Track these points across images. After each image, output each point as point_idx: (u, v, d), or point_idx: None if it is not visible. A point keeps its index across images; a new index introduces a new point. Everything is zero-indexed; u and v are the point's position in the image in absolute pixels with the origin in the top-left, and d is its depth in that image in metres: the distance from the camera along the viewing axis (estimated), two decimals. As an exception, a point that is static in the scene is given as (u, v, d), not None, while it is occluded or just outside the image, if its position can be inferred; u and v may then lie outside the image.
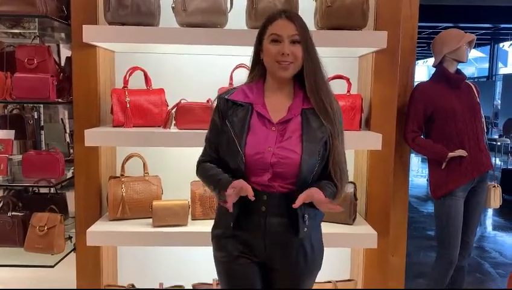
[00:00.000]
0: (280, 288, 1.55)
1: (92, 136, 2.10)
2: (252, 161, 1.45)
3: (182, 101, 2.19)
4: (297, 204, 1.40)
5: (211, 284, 2.27)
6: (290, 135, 1.48)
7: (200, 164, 1.62)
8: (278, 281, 1.55)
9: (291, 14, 1.49)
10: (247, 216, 1.48)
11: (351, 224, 2.24)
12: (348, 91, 2.28)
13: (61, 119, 3.29)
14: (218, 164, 1.56)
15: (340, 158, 1.50)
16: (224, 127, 1.51)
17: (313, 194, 1.42)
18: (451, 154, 2.49)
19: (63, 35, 3.03)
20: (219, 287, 2.22)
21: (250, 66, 1.60)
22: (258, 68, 1.56)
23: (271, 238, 1.50)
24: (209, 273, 2.21)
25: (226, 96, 1.55)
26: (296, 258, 1.52)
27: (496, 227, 5.52)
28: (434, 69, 2.67)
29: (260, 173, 1.46)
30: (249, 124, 1.49)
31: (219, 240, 1.57)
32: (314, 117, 1.49)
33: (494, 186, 2.67)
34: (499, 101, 14.11)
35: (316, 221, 1.57)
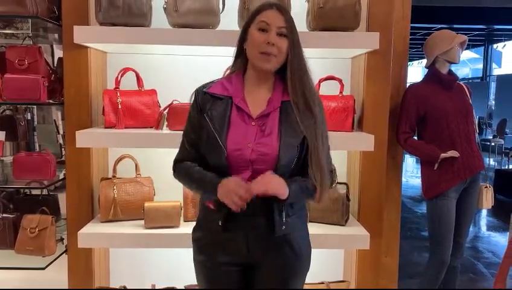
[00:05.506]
0: (265, 289, 1.49)
1: (84, 138, 2.08)
2: (233, 156, 1.40)
3: (174, 102, 2.18)
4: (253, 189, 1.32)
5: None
6: (270, 131, 1.42)
7: (177, 163, 1.54)
8: (263, 283, 1.49)
9: (283, 8, 1.45)
10: (232, 216, 1.41)
11: (343, 225, 2.24)
12: (341, 92, 2.28)
13: (54, 120, 3.27)
14: (196, 161, 1.49)
15: (321, 161, 1.41)
16: (203, 121, 1.45)
17: (268, 185, 1.33)
18: (443, 155, 2.49)
19: (56, 36, 3.02)
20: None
21: (233, 57, 1.53)
22: (241, 59, 1.51)
23: (252, 238, 1.45)
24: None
25: (204, 90, 1.50)
26: (277, 258, 1.47)
27: (489, 227, 5.54)
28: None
29: (241, 170, 1.40)
30: (229, 118, 1.44)
31: (201, 243, 1.52)
32: (294, 110, 1.42)
33: (486, 187, 2.68)
34: (493, 102, 14.22)
35: (299, 219, 1.52)
